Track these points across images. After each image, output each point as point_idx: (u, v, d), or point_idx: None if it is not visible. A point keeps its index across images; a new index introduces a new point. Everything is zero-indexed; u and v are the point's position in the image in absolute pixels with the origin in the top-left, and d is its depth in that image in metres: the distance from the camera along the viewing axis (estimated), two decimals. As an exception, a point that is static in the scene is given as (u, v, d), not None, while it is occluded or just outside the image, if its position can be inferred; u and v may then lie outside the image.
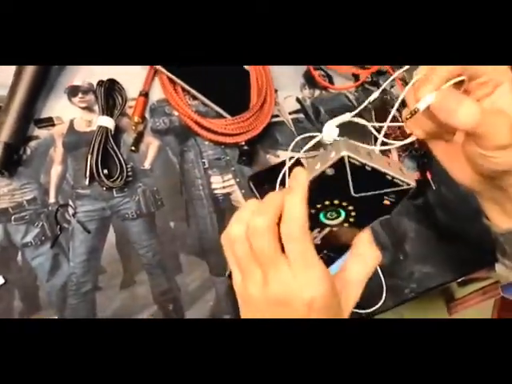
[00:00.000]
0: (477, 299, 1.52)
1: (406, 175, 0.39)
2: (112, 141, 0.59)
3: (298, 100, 0.75)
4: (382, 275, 0.64)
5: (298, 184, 0.36)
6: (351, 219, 0.41)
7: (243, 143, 0.66)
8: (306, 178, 0.37)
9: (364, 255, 0.40)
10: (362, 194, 0.38)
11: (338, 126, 0.52)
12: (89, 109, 0.62)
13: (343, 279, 0.40)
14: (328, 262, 0.42)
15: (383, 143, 0.47)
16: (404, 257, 0.68)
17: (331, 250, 0.43)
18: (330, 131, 0.50)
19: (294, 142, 0.67)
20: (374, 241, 0.41)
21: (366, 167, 0.36)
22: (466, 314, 1.58)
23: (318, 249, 0.38)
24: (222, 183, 0.65)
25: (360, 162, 0.36)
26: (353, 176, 0.37)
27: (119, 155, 0.59)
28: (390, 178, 0.37)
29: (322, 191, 0.38)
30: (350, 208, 0.39)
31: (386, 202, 0.39)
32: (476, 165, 0.43)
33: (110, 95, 0.62)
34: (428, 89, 0.41)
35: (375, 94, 0.48)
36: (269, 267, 0.36)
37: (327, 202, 0.39)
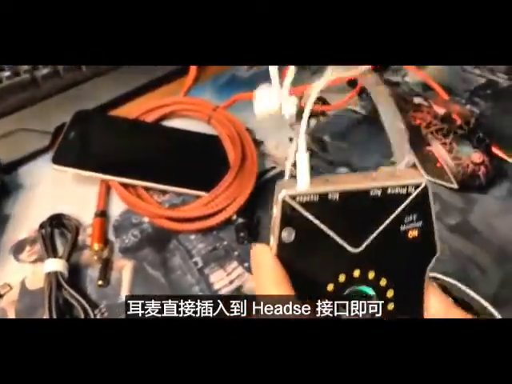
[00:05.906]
0: None
1: (405, 172, 0.25)
2: (66, 285, 0.45)
3: (292, 140, 0.59)
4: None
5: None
6: (389, 292, 0.25)
7: (235, 217, 0.49)
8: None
9: None
10: (366, 243, 0.24)
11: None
12: (41, 260, 0.49)
13: None
14: None
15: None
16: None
17: None
18: (285, 106, 0.34)
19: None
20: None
21: (330, 196, 0.23)
22: None
23: None
24: (226, 278, 0.47)
25: (318, 194, 0.23)
26: (327, 222, 0.24)
27: (81, 300, 0.45)
28: (378, 193, 0.24)
29: (307, 272, 0.24)
30: (372, 275, 0.25)
31: (412, 233, 0.24)
32: None
33: (58, 233, 0.50)
34: None
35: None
36: None
37: (331, 287, 0.24)
